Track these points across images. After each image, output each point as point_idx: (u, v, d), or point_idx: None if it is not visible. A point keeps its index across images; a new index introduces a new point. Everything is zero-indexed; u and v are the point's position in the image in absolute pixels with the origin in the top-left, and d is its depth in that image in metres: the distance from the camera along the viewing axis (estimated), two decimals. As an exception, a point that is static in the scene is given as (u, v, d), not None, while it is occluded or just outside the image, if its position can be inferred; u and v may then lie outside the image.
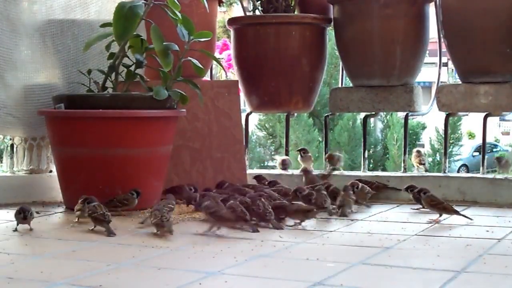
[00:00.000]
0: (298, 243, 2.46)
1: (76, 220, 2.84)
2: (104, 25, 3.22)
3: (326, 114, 4.07)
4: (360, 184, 3.29)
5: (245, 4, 4.17)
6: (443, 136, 4.10)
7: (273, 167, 4.08)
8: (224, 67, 5.06)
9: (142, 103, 3.13)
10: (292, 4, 3.91)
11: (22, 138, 3.54)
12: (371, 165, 7.99)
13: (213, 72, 4.30)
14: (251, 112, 4.04)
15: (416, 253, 2.30)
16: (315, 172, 3.82)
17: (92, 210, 2.68)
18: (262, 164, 8.30)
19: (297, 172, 3.84)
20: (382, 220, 2.95)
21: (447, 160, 3.77)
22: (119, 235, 2.61)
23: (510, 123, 19.67)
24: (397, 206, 3.32)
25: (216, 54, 4.58)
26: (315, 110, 6.35)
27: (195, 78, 3.45)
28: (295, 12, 3.92)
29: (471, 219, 2.82)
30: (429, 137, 8.71)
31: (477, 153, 14.82)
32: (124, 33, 3.08)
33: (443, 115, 3.67)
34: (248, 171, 3.79)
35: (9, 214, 2.95)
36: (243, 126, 3.85)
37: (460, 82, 3.58)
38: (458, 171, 12.32)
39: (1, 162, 4.07)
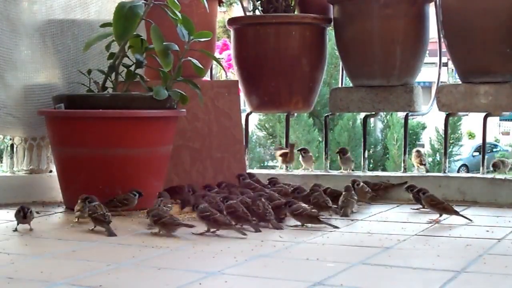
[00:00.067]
0: (298, 243, 2.46)
1: (76, 220, 2.84)
2: (104, 25, 3.22)
3: (326, 114, 4.07)
4: (361, 183, 3.29)
5: (245, 4, 4.17)
6: (443, 136, 4.10)
7: (273, 167, 4.08)
8: (224, 67, 5.06)
9: (142, 103, 3.13)
10: (292, 4, 3.91)
11: (22, 138, 3.54)
12: (371, 165, 7.99)
13: (213, 72, 4.30)
14: (251, 112, 4.04)
15: (416, 253, 2.30)
16: (316, 172, 3.83)
17: (92, 210, 2.68)
18: (262, 164, 8.30)
19: (297, 172, 3.84)
20: (382, 220, 2.95)
21: (447, 160, 3.77)
22: (119, 235, 2.61)
23: (510, 123, 19.67)
24: (397, 206, 3.32)
25: (216, 54, 4.58)
26: (315, 110, 6.35)
27: (195, 78, 3.45)
28: (295, 12, 3.92)
29: (470, 220, 2.82)
30: (429, 137, 8.71)
31: (477, 153, 14.83)
32: (124, 33, 3.08)
33: (443, 115, 3.67)
34: (248, 171, 3.79)
35: (9, 214, 2.95)
36: (243, 126, 3.85)
37: (460, 82, 3.58)
38: (458, 171, 12.33)
39: (1, 162, 4.07)
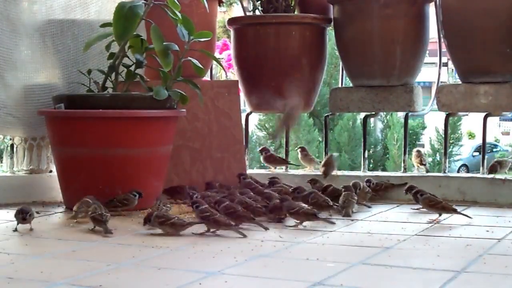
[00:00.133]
0: (298, 243, 2.46)
1: (75, 220, 2.84)
2: (104, 25, 3.22)
3: (326, 114, 4.07)
4: (362, 185, 3.29)
5: (245, 4, 4.17)
6: (443, 136, 4.10)
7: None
8: (224, 67, 5.06)
9: (142, 103, 3.13)
10: (292, 4, 3.91)
11: (22, 138, 3.54)
12: (371, 165, 7.99)
13: (213, 72, 4.30)
14: (251, 112, 4.04)
15: (416, 253, 2.30)
16: (316, 172, 3.83)
17: (91, 211, 2.68)
18: (262, 164, 8.29)
19: (297, 172, 3.84)
20: (382, 220, 2.95)
21: (447, 160, 3.77)
22: (119, 235, 2.61)
23: (510, 123, 19.67)
24: (397, 206, 3.32)
25: (216, 54, 4.58)
26: (315, 110, 6.35)
27: (195, 78, 3.45)
28: (295, 12, 3.91)
29: (470, 217, 2.83)
30: (429, 137, 8.72)
31: (477, 153, 14.83)
32: (124, 33, 3.08)
33: (443, 115, 3.67)
34: (248, 171, 3.79)
35: (9, 214, 2.95)
36: (243, 126, 3.85)
37: (460, 82, 3.58)
38: (458, 171, 12.33)
39: (1, 162, 4.07)
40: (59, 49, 3.48)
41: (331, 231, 2.67)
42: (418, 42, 3.70)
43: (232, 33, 3.97)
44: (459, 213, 2.85)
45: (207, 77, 4.11)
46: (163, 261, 2.22)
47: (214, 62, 3.95)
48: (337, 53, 3.99)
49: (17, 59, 3.38)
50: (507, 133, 19.66)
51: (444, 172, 3.69)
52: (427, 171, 3.84)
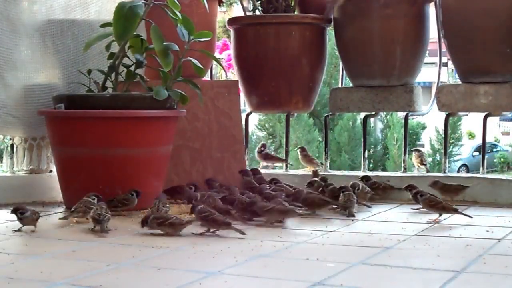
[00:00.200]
0: (298, 243, 2.46)
1: (75, 220, 2.85)
2: (104, 25, 3.22)
3: (326, 114, 4.07)
4: (361, 185, 3.30)
5: (245, 4, 4.17)
6: (443, 136, 4.10)
7: (273, 167, 4.08)
8: (224, 67, 5.06)
9: (142, 103, 3.13)
10: (292, 4, 3.91)
11: (22, 138, 3.54)
12: (371, 165, 7.99)
13: (213, 72, 4.30)
14: (251, 112, 4.04)
15: (416, 253, 2.30)
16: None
17: (93, 212, 2.69)
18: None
19: (297, 172, 3.84)
20: (382, 220, 2.95)
21: (447, 160, 3.77)
22: (119, 235, 2.61)
23: (510, 123, 19.67)
24: (397, 206, 3.32)
25: (216, 54, 4.58)
26: (315, 110, 6.34)
27: (195, 78, 3.45)
28: (295, 12, 3.92)
29: (471, 217, 2.83)
30: (429, 137, 8.72)
31: (477, 153, 14.84)
32: (124, 33, 3.08)
33: (443, 115, 3.67)
34: (255, 167, 3.80)
35: (9, 214, 2.94)
36: (243, 126, 3.85)
37: (460, 82, 3.58)
38: (458, 171, 12.33)
39: (1, 162, 4.07)
40: (59, 49, 3.48)
41: (331, 231, 2.68)
42: (418, 42, 3.70)
43: (232, 33, 3.97)
44: (460, 213, 2.85)
45: (207, 77, 4.11)
46: (163, 261, 2.22)
47: (214, 62, 3.95)
48: (337, 53, 3.99)
49: (17, 59, 3.38)
50: (507, 133, 19.67)
51: (444, 172, 3.69)
52: (427, 171, 3.84)
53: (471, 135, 16.33)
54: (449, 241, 2.50)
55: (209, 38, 3.34)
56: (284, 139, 4.12)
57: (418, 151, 3.94)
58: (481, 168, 3.64)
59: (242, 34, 3.90)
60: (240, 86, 3.92)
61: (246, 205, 2.86)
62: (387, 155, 8.10)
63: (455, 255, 2.28)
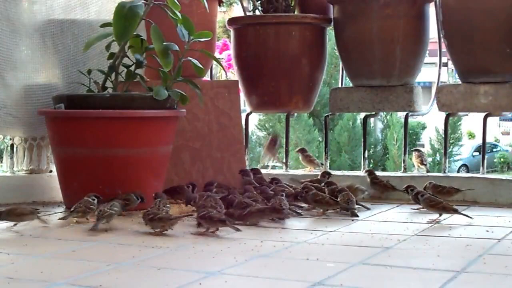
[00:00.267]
0: (298, 243, 2.46)
1: (75, 220, 2.85)
2: (104, 25, 3.22)
3: (326, 114, 4.07)
4: (356, 185, 3.32)
5: (245, 4, 4.17)
6: (443, 136, 4.10)
7: (273, 167, 4.08)
8: (224, 67, 5.06)
9: (142, 103, 3.13)
10: (292, 4, 3.91)
11: (22, 138, 3.54)
12: (371, 165, 7.98)
13: (213, 72, 4.30)
14: (251, 112, 4.04)
15: (416, 253, 2.30)
16: (316, 172, 3.83)
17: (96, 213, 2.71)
18: (262, 164, 8.29)
19: (297, 172, 3.84)
20: (382, 220, 2.95)
21: (447, 160, 3.77)
22: (119, 235, 2.61)
23: (510, 123, 19.67)
24: (397, 206, 3.32)
25: (216, 54, 4.58)
26: (315, 110, 6.35)
27: (195, 78, 3.45)
28: (295, 12, 3.92)
29: (471, 217, 2.83)
30: (429, 137, 8.72)
31: (477, 153, 14.84)
32: (124, 33, 3.08)
33: (443, 115, 3.67)
34: (255, 167, 3.80)
35: (9, 214, 2.95)
36: (243, 126, 3.85)
37: (460, 82, 3.58)
38: (458, 171, 12.33)
39: (1, 162, 4.07)
40: (59, 49, 3.48)
41: (331, 231, 2.68)
42: (418, 42, 3.71)
43: (232, 33, 3.97)
44: (460, 213, 2.85)
45: (207, 77, 4.11)
46: (163, 261, 2.22)
47: (214, 62, 3.95)
48: (337, 53, 3.99)
49: (17, 59, 3.38)
50: (507, 133, 19.67)
51: (444, 172, 3.69)
52: (427, 171, 3.84)
53: (471, 135, 16.33)
54: (449, 241, 2.50)
55: (209, 38, 3.34)
56: (284, 139, 4.12)
57: (418, 151, 3.95)
58: (481, 168, 3.64)
59: (242, 34, 3.90)
60: (240, 86, 3.92)
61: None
62: (387, 155, 8.10)
63: (455, 255, 2.28)
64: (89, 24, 3.52)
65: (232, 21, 3.95)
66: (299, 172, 3.89)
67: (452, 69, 6.11)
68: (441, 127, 5.55)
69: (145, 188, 3.07)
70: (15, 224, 2.72)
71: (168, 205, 2.88)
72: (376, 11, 3.63)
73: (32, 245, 2.48)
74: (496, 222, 2.87)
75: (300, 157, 3.92)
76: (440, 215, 2.90)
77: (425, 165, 3.85)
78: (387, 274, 2.04)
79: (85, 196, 2.85)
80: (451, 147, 8.51)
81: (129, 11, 3.06)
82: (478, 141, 13.09)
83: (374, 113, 3.86)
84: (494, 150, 16.37)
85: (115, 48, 3.24)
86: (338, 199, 3.07)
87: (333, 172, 3.79)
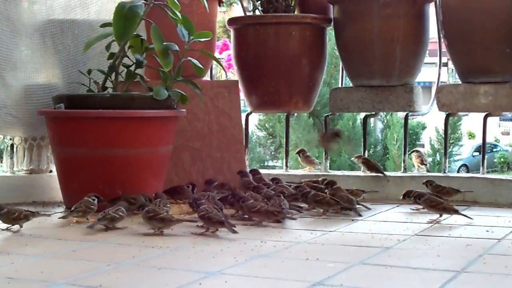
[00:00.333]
0: (298, 243, 2.46)
1: (75, 220, 2.85)
2: (104, 25, 3.22)
3: (326, 114, 4.07)
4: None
5: (245, 4, 4.17)
6: (443, 136, 4.10)
7: (273, 167, 4.08)
8: (224, 67, 5.06)
9: (142, 103, 3.13)
10: (292, 4, 3.91)
11: (22, 138, 3.54)
12: (371, 165, 7.98)
13: (213, 72, 4.30)
14: (251, 112, 4.04)
15: (416, 253, 2.30)
16: (316, 172, 3.83)
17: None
18: (262, 164, 8.30)
19: (297, 172, 3.84)
20: (382, 220, 2.95)
21: (447, 160, 3.77)
22: (119, 235, 2.61)
23: (510, 123, 19.67)
24: (397, 206, 3.32)
25: (216, 54, 4.58)
26: (315, 110, 6.34)
27: (195, 78, 3.45)
28: (295, 12, 3.92)
29: (471, 218, 2.83)
30: (429, 137, 8.72)
31: (477, 153, 14.84)
32: (124, 33, 3.08)
33: (443, 115, 3.67)
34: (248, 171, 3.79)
35: (9, 214, 2.95)
36: (243, 126, 3.85)
37: (460, 82, 3.58)
38: (458, 171, 12.33)
39: (1, 162, 4.07)
40: (59, 49, 3.48)
41: (331, 231, 2.68)
42: (418, 42, 3.70)
43: (232, 33, 3.97)
44: (460, 213, 2.85)
45: (207, 77, 4.11)
46: (163, 261, 2.22)
47: (214, 62, 3.95)
48: (337, 53, 3.99)
49: (17, 59, 3.38)
50: (507, 133, 19.66)
51: (444, 172, 3.69)
52: (427, 171, 3.84)
53: (471, 135, 16.32)
54: (449, 241, 2.50)
55: (209, 38, 3.34)
56: (284, 139, 4.12)
57: (418, 151, 3.95)
58: (481, 168, 3.64)
59: (242, 34, 3.90)
60: (240, 86, 3.92)
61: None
62: (387, 155, 8.10)
63: (455, 255, 2.28)
64: (89, 24, 3.52)
65: (232, 21, 3.95)
66: (299, 172, 3.89)
67: (452, 69, 6.10)
68: (441, 127, 5.55)
69: (145, 188, 3.07)
70: (12, 225, 2.72)
71: (168, 205, 2.89)
72: (376, 11, 3.63)
73: (32, 245, 2.48)
74: (496, 222, 2.87)
75: (300, 158, 3.92)
76: (441, 215, 2.90)
77: (425, 164, 3.84)
78: (387, 274, 2.04)
79: (85, 196, 2.86)
80: (451, 147, 8.51)
81: (129, 11, 3.06)
82: (478, 141, 13.08)
83: (374, 113, 3.87)
84: (494, 150, 16.37)
85: (115, 48, 3.24)
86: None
87: (333, 172, 3.79)
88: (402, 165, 3.82)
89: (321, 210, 3.06)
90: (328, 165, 3.92)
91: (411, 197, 3.08)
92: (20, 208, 2.80)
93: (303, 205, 3.15)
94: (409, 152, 3.99)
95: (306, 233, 2.65)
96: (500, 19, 3.38)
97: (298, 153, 3.97)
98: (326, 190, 3.19)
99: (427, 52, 3.81)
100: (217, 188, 3.32)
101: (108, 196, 2.97)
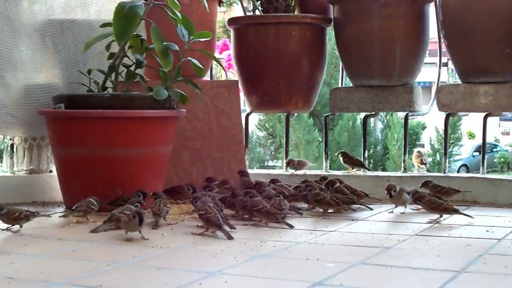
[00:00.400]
0: (298, 243, 2.46)
1: (75, 220, 2.85)
2: (104, 25, 3.22)
3: (326, 114, 4.07)
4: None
5: (245, 4, 4.17)
6: (443, 136, 4.10)
7: (273, 167, 4.08)
8: (224, 67, 5.06)
9: (142, 103, 3.13)
10: (292, 4, 3.91)
11: (22, 138, 3.54)
12: (371, 165, 7.99)
13: (213, 72, 4.30)
14: (251, 112, 4.04)
15: (416, 253, 2.30)
16: (316, 172, 3.83)
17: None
18: (262, 164, 8.30)
19: (297, 172, 3.84)
20: (382, 220, 2.95)
21: (447, 160, 3.77)
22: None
23: (510, 123, 19.67)
24: (397, 206, 3.31)
25: (216, 54, 4.58)
26: (315, 110, 6.35)
27: (195, 78, 3.45)
28: (295, 12, 3.92)
29: (472, 217, 2.83)
30: (429, 137, 8.72)
31: (477, 153, 14.84)
32: (124, 33, 3.08)
33: (443, 115, 3.67)
34: (248, 171, 3.79)
35: (9, 214, 2.95)
36: (243, 126, 3.85)
37: (460, 82, 3.58)
38: (458, 171, 12.33)
39: (1, 162, 4.07)
40: (59, 49, 3.48)
41: (331, 231, 2.68)
42: (418, 42, 3.71)
43: (232, 33, 3.97)
44: (461, 213, 2.85)
45: (207, 77, 4.11)
46: (163, 261, 2.22)
47: (214, 62, 3.95)
48: (337, 53, 3.99)
49: (17, 59, 3.38)
50: (507, 133, 19.66)
51: (444, 172, 3.69)
52: (428, 171, 3.84)
53: (471, 135, 16.33)
54: (449, 241, 2.50)
55: (209, 38, 3.34)
56: (284, 139, 4.12)
57: (418, 151, 3.95)
58: (481, 168, 3.64)
59: (242, 34, 3.90)
60: (240, 86, 3.92)
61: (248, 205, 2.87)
62: (387, 155, 8.10)
63: (455, 255, 2.27)
64: (89, 24, 3.52)
65: (232, 21, 3.95)
66: (299, 172, 3.89)
67: (452, 69, 6.11)
68: (441, 127, 5.55)
69: (145, 188, 3.06)
70: (12, 225, 2.72)
71: (168, 205, 2.89)
72: (376, 11, 3.63)
73: (32, 245, 2.48)
74: (496, 222, 2.87)
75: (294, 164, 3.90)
76: (441, 216, 2.89)
77: (425, 164, 3.84)
78: (387, 274, 2.04)
79: (88, 198, 2.86)
80: (451, 147, 8.51)
81: (129, 11, 3.06)
82: (478, 141, 13.09)
83: (374, 113, 3.87)
84: (494, 150, 16.37)
85: (115, 48, 3.24)
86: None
87: (333, 172, 3.79)
88: (402, 165, 3.82)
89: (321, 210, 3.06)
90: (328, 165, 3.92)
91: (391, 194, 3.07)
92: (20, 208, 2.80)
93: (303, 205, 3.15)
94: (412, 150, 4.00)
95: (306, 233, 2.65)
96: (500, 19, 3.38)
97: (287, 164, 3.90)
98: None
99: (427, 52, 3.81)
100: (218, 185, 3.32)
101: (108, 196, 2.97)
